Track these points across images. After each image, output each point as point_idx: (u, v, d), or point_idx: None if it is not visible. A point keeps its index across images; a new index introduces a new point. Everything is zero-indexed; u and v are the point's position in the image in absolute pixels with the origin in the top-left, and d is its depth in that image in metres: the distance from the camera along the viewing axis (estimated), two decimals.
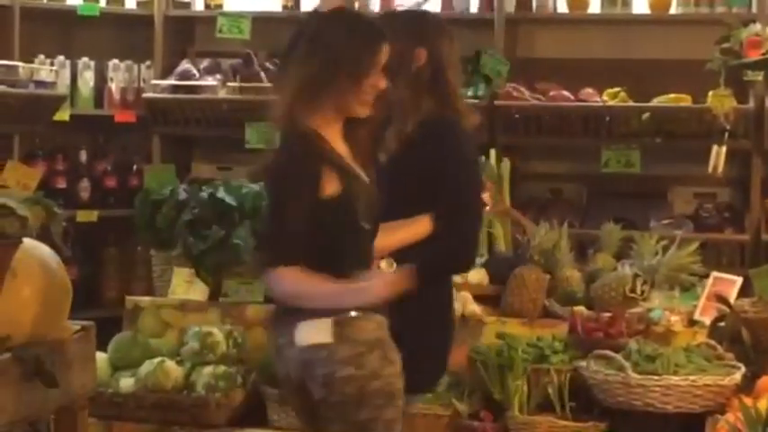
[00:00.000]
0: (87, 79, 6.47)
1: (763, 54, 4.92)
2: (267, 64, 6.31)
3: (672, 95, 5.96)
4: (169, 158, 6.40)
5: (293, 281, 3.47)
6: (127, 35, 6.76)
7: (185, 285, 5.23)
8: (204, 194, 5.31)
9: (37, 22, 6.27)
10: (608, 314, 4.80)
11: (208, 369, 4.83)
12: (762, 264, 5.08)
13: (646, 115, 5.85)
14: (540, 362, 4.62)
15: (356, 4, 6.28)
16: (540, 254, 5.10)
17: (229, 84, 6.38)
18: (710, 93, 5.39)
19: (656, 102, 5.96)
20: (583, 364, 4.47)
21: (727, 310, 4.56)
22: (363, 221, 3.52)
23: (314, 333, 3.45)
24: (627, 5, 6.17)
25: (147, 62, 6.62)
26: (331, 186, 3.46)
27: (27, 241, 3.23)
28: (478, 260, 5.12)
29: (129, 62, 6.60)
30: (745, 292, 4.88)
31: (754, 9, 5.96)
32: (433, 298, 3.70)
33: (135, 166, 6.56)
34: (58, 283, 3.30)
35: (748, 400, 3.70)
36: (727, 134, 5.27)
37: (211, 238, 5.16)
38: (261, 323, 5.15)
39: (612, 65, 6.26)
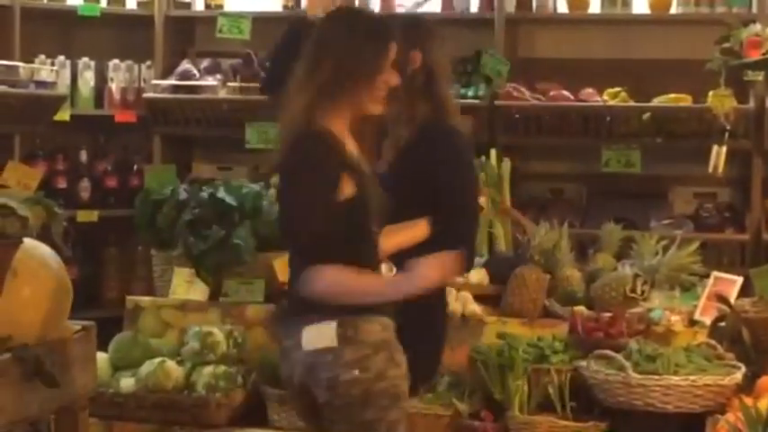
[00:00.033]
0: (88, 79, 6.47)
1: (764, 54, 4.92)
2: (268, 64, 6.30)
3: (672, 95, 5.96)
4: (169, 158, 6.41)
5: (332, 278, 3.47)
6: (127, 35, 6.76)
7: (186, 285, 5.23)
8: (204, 194, 5.31)
9: (37, 23, 6.27)
10: (608, 314, 4.80)
11: (208, 369, 4.83)
12: (762, 263, 5.08)
13: (646, 115, 5.85)
14: (540, 362, 4.62)
15: (356, 4, 6.28)
16: (541, 254, 5.10)
17: (230, 84, 6.38)
18: (711, 93, 5.39)
19: (657, 102, 5.96)
20: (583, 363, 4.47)
21: (728, 309, 4.56)
22: (373, 224, 3.54)
23: (319, 337, 3.46)
24: (627, 5, 6.17)
25: (148, 62, 6.62)
26: (348, 189, 3.48)
27: (27, 241, 3.23)
28: (479, 260, 5.13)
29: (129, 62, 6.60)
30: (745, 291, 4.88)
31: (754, 9, 5.96)
32: (426, 299, 3.70)
33: (135, 166, 6.56)
34: (58, 283, 3.30)
35: (749, 400, 3.70)
36: (727, 134, 5.26)
37: (212, 238, 5.16)
38: (261, 323, 5.15)
39: (613, 65, 6.26)
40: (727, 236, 5.95)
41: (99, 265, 6.55)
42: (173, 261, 5.30)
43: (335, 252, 3.47)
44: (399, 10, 6.35)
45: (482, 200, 4.85)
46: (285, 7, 6.53)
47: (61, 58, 6.34)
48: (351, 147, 3.55)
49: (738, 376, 4.28)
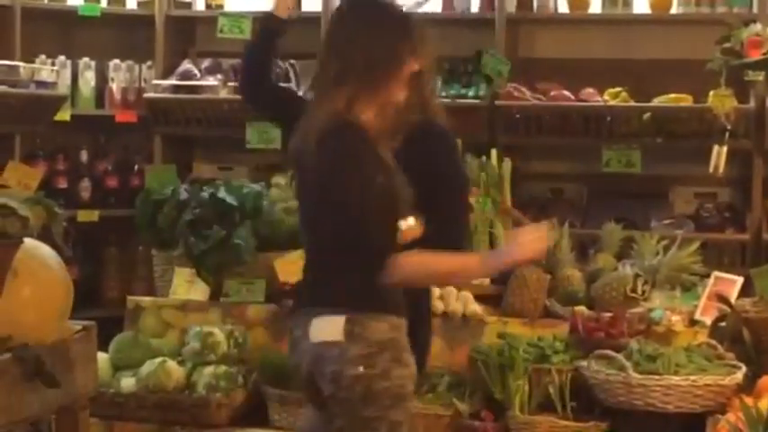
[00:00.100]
0: (88, 79, 6.47)
1: (764, 54, 4.92)
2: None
3: (673, 95, 5.95)
4: (170, 158, 6.40)
5: (415, 264, 3.49)
6: (128, 35, 6.76)
7: (186, 285, 5.24)
8: (205, 194, 5.32)
9: (38, 23, 6.27)
10: (609, 314, 4.80)
11: (209, 369, 4.83)
12: (762, 263, 5.07)
13: (646, 115, 5.85)
14: (541, 362, 4.62)
15: None
16: None
17: (230, 84, 6.37)
18: (711, 93, 5.38)
19: (657, 102, 5.95)
20: (584, 363, 4.47)
21: (728, 309, 4.56)
22: (401, 215, 3.55)
23: (327, 330, 3.47)
24: (628, 5, 6.17)
25: (148, 62, 6.62)
26: (383, 180, 3.49)
27: (28, 241, 3.23)
28: None
29: (130, 62, 6.60)
30: (745, 291, 4.89)
31: (754, 9, 5.95)
32: (410, 298, 3.71)
33: (136, 166, 6.56)
34: (59, 283, 3.31)
35: (749, 400, 3.70)
36: (727, 134, 5.26)
37: (212, 238, 5.17)
38: (262, 323, 5.16)
39: (613, 65, 6.25)
40: (727, 236, 5.94)
41: (99, 265, 6.55)
42: (173, 261, 5.30)
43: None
44: None
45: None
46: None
47: (62, 58, 6.34)
48: (379, 138, 3.55)
49: (739, 376, 4.28)
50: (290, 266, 4.97)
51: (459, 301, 5.00)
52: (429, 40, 3.97)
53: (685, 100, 5.92)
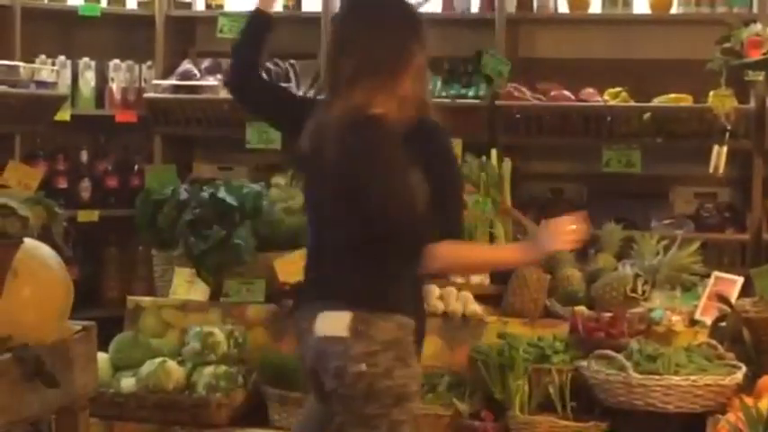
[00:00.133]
0: (88, 79, 6.47)
1: (764, 54, 4.92)
2: (268, 64, 6.31)
3: (673, 95, 5.95)
4: (170, 158, 6.40)
5: (453, 254, 3.52)
6: (128, 35, 6.76)
7: (186, 285, 5.24)
8: (205, 194, 5.32)
9: (38, 23, 6.27)
10: (609, 314, 4.80)
11: (209, 369, 4.83)
12: (763, 263, 5.07)
13: (647, 115, 5.84)
14: (541, 362, 4.62)
15: None
16: None
17: None
18: (711, 93, 5.38)
19: (657, 102, 5.95)
20: (584, 363, 4.47)
21: (729, 309, 4.56)
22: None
23: (332, 325, 3.47)
24: (628, 5, 6.17)
25: (148, 62, 6.61)
26: None
27: (28, 241, 3.23)
28: None
29: (130, 62, 6.60)
30: (746, 291, 4.89)
31: (754, 9, 5.95)
32: None
33: (136, 166, 6.55)
34: (59, 283, 3.31)
35: (749, 400, 3.70)
36: (727, 134, 5.26)
37: (212, 238, 5.17)
38: (262, 323, 5.16)
39: (613, 65, 6.25)
40: (727, 236, 5.94)
41: (99, 266, 6.55)
42: (173, 261, 5.30)
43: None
44: None
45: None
46: (285, 7, 6.52)
47: (62, 58, 6.34)
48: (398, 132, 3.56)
49: (739, 376, 4.28)
50: (290, 266, 4.97)
51: (459, 301, 5.00)
52: (428, 37, 3.99)
53: (685, 100, 5.92)
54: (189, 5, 6.76)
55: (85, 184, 6.38)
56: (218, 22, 6.16)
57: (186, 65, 6.48)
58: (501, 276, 5.06)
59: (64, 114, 6.08)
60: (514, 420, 4.51)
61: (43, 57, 6.21)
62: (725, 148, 5.22)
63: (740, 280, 4.97)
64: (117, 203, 6.41)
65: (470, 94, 6.09)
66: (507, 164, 5.44)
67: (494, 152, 5.48)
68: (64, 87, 6.18)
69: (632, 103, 5.97)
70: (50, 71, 6.01)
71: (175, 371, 4.83)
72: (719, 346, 4.46)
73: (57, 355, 3.25)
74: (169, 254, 5.33)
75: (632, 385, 4.27)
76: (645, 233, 5.41)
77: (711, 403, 4.25)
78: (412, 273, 3.62)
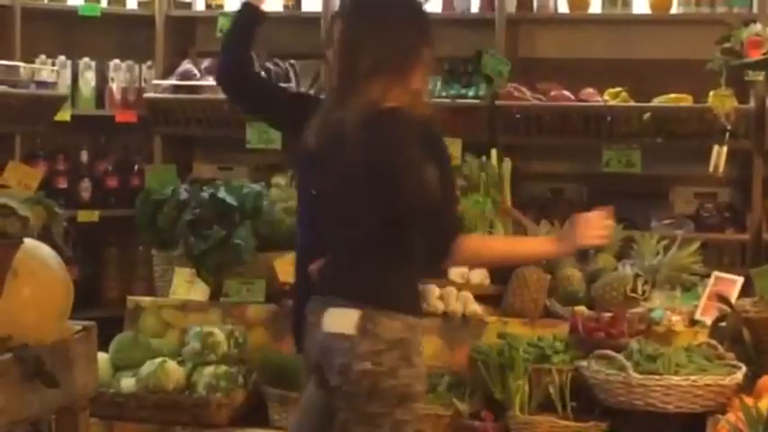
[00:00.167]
0: (88, 79, 6.47)
1: (764, 54, 4.92)
2: (268, 64, 6.31)
3: (673, 95, 5.95)
4: (170, 158, 6.40)
5: (483, 246, 3.60)
6: (128, 35, 6.76)
7: (186, 285, 5.24)
8: (205, 194, 5.32)
9: (38, 23, 6.27)
10: (609, 314, 4.80)
11: (209, 369, 4.83)
12: (763, 263, 5.07)
13: (647, 115, 5.85)
14: (541, 362, 4.62)
15: None
16: None
17: None
18: (711, 93, 5.38)
19: (657, 102, 5.95)
20: (584, 363, 4.47)
21: (729, 309, 4.56)
22: None
23: (340, 322, 3.48)
24: (627, 5, 6.17)
25: (149, 62, 6.62)
26: None
27: (28, 241, 3.23)
28: None
29: (130, 62, 6.60)
30: (746, 291, 4.89)
31: (754, 9, 5.95)
32: None
33: (136, 166, 6.55)
34: (59, 283, 3.31)
35: (749, 400, 3.70)
36: (727, 134, 5.26)
37: (212, 238, 5.17)
38: (262, 323, 5.16)
39: (613, 65, 6.25)
40: (727, 236, 5.94)
41: (100, 266, 6.55)
42: (173, 261, 5.30)
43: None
44: None
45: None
46: (285, 7, 6.52)
47: (62, 58, 6.34)
48: None
49: (739, 376, 4.28)
50: (290, 266, 4.96)
51: (459, 301, 5.00)
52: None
53: (685, 100, 5.92)
54: (189, 5, 6.76)
55: (85, 184, 6.38)
56: (218, 22, 6.16)
57: (186, 65, 6.48)
58: (501, 276, 5.06)
59: (64, 114, 6.08)
60: (514, 420, 4.51)
61: (43, 57, 6.22)
62: (725, 148, 5.22)
63: (740, 280, 4.97)
64: (117, 203, 6.41)
65: (470, 94, 6.09)
66: (507, 164, 5.44)
67: (494, 152, 5.48)
68: (64, 87, 6.18)
69: (632, 103, 5.97)
70: (50, 71, 6.01)
71: (175, 371, 4.83)
72: (719, 346, 4.46)
73: (57, 355, 3.25)
74: (169, 254, 5.33)
75: (632, 385, 4.27)
76: (645, 233, 5.41)
77: (711, 403, 4.25)
78: (420, 272, 3.64)
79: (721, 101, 5.24)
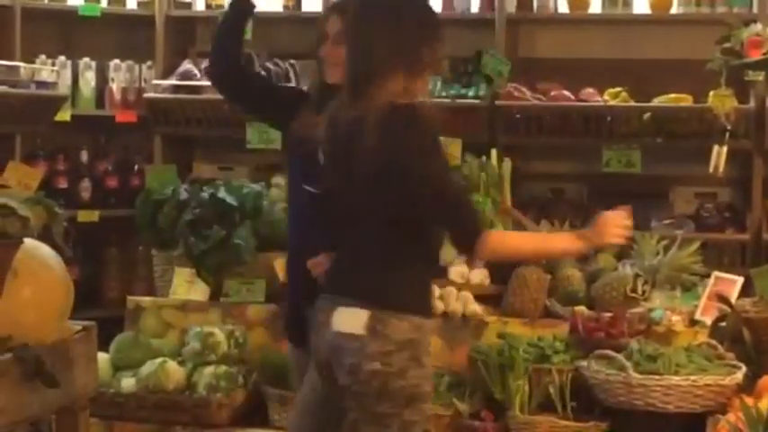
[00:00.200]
0: (88, 79, 6.46)
1: (764, 54, 4.92)
2: (268, 64, 6.31)
3: (673, 95, 5.95)
4: (170, 158, 6.40)
5: (507, 241, 3.64)
6: (128, 35, 6.75)
7: (186, 285, 5.24)
8: (205, 194, 5.32)
9: (38, 23, 6.27)
10: (609, 314, 4.80)
11: (209, 369, 4.83)
12: (763, 263, 5.07)
13: (647, 115, 5.84)
14: (541, 362, 4.62)
15: None
16: None
17: None
18: (711, 93, 5.38)
19: (657, 102, 5.95)
20: (584, 363, 4.47)
21: (729, 309, 4.56)
22: None
23: (349, 322, 3.48)
24: (628, 5, 6.16)
25: (149, 62, 6.61)
26: None
27: (28, 241, 3.23)
28: (480, 260, 5.13)
29: (130, 62, 6.60)
30: (746, 291, 4.89)
31: (755, 9, 5.95)
32: None
33: (136, 166, 6.55)
34: (59, 283, 3.30)
35: (749, 400, 3.70)
36: (728, 134, 5.26)
37: (212, 238, 5.17)
38: (262, 323, 5.16)
39: (613, 65, 6.25)
40: (727, 236, 5.94)
41: (100, 266, 6.55)
42: (173, 261, 5.31)
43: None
44: None
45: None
46: (285, 7, 6.52)
47: (62, 58, 6.34)
48: None
49: (739, 376, 4.28)
50: None
51: (459, 301, 5.00)
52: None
53: (685, 100, 5.92)
54: (189, 5, 6.76)
55: (86, 184, 6.38)
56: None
57: (186, 65, 6.48)
58: (501, 276, 5.06)
59: (64, 114, 6.08)
60: (514, 420, 4.51)
61: (43, 57, 6.21)
62: (725, 148, 5.23)
63: (740, 280, 4.97)
64: (117, 203, 6.40)
65: (470, 94, 6.09)
66: (507, 164, 5.44)
67: (494, 152, 5.48)
68: (64, 87, 6.18)
69: (632, 103, 5.96)
70: (50, 71, 6.01)
71: (176, 371, 4.83)
72: (719, 346, 4.46)
73: (57, 355, 3.25)
74: (169, 254, 5.33)
75: (632, 385, 4.27)
76: (645, 233, 5.40)
77: (711, 403, 4.25)
78: (430, 272, 3.65)
79: (721, 101, 5.24)
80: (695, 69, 5.36)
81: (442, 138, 3.64)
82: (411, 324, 3.50)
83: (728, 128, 5.25)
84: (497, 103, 6.01)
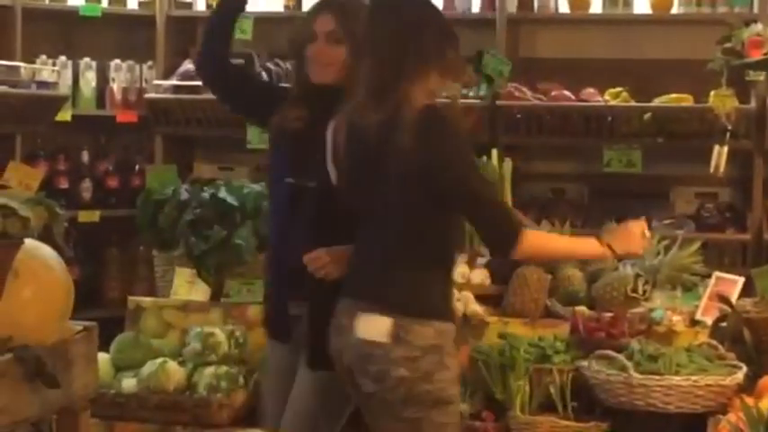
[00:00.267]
0: (89, 79, 6.47)
1: (765, 54, 4.92)
2: (269, 64, 6.31)
3: (673, 95, 5.96)
4: (171, 158, 6.41)
5: (541, 240, 3.69)
6: (128, 35, 6.76)
7: (187, 286, 5.23)
8: (206, 194, 5.32)
9: (38, 23, 6.27)
10: (610, 314, 4.80)
11: (210, 369, 4.83)
12: (763, 263, 5.07)
13: (647, 115, 5.85)
14: (541, 362, 4.62)
15: None
16: None
17: None
18: (712, 93, 5.39)
19: (658, 102, 5.95)
20: (585, 364, 4.47)
21: (729, 309, 4.56)
22: None
23: (373, 329, 3.49)
24: (628, 5, 6.17)
25: (149, 62, 6.62)
26: None
27: (29, 242, 3.23)
28: (481, 260, 5.12)
29: (130, 62, 6.60)
30: (746, 291, 4.88)
31: (755, 9, 5.96)
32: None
33: (137, 167, 6.56)
34: (59, 283, 3.30)
35: (750, 400, 3.70)
36: (728, 134, 5.26)
37: (213, 239, 5.17)
38: (262, 323, 5.15)
39: (614, 65, 6.26)
40: (728, 236, 5.95)
41: (100, 266, 6.56)
42: (174, 261, 5.30)
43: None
44: None
45: None
46: (286, 7, 6.53)
47: (62, 58, 6.35)
48: None
49: (740, 376, 4.28)
50: None
51: (459, 301, 4.99)
52: None
53: (686, 100, 5.92)
54: (189, 5, 6.76)
55: (86, 184, 6.38)
56: None
57: (187, 65, 6.49)
58: (501, 276, 5.06)
59: (65, 115, 6.08)
60: (515, 420, 4.51)
61: (44, 57, 6.22)
62: (725, 148, 5.23)
63: (741, 280, 4.97)
64: (118, 204, 6.41)
65: (471, 93, 6.09)
66: (508, 164, 5.43)
67: (494, 152, 5.48)
68: (65, 88, 6.19)
69: (633, 103, 5.97)
70: (51, 71, 6.01)
71: (176, 371, 4.82)
72: (720, 347, 4.46)
73: (57, 355, 3.25)
74: (170, 254, 5.33)
75: (633, 385, 4.27)
76: None
77: (712, 403, 4.24)
78: (450, 276, 3.69)
79: (722, 101, 5.25)
80: (696, 69, 5.36)
81: None
82: (435, 330, 3.51)
83: (729, 128, 5.26)
84: (498, 103, 6.01)
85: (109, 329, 4.55)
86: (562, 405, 4.53)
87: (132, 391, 4.79)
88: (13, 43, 6.02)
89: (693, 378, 4.24)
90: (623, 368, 4.30)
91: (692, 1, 6.07)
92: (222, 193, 5.29)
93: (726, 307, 4.61)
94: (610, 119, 5.93)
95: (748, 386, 4.19)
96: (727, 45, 5.03)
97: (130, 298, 5.36)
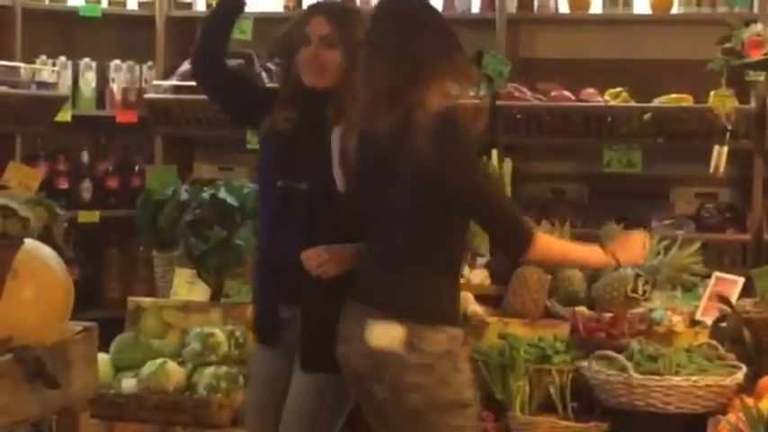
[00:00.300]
0: (89, 80, 6.47)
1: (765, 54, 4.92)
2: (268, 64, 6.31)
3: (673, 95, 5.96)
4: (171, 159, 6.41)
5: (550, 245, 3.68)
6: (128, 36, 6.76)
7: (187, 286, 5.23)
8: (206, 195, 5.32)
9: (38, 23, 6.27)
10: (610, 314, 4.80)
11: (209, 370, 4.83)
12: (763, 264, 5.07)
13: (647, 115, 5.85)
14: (541, 362, 4.62)
15: (357, 2, 6.27)
16: None
17: None
18: (712, 93, 5.39)
19: (658, 102, 5.96)
20: (585, 364, 4.47)
21: (729, 310, 4.56)
22: None
23: (385, 337, 3.47)
24: (628, 6, 6.17)
25: (149, 63, 6.62)
26: None
27: (29, 242, 3.23)
28: (480, 260, 5.12)
29: (130, 63, 6.61)
30: (746, 292, 4.88)
31: (755, 9, 5.96)
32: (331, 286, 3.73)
33: (137, 167, 6.56)
34: (59, 283, 3.30)
35: (750, 401, 3.70)
36: (728, 134, 5.27)
37: (213, 239, 5.17)
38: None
39: (614, 65, 6.26)
40: (728, 236, 5.95)
41: (100, 266, 6.56)
42: (174, 262, 5.30)
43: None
44: None
45: None
46: (286, 8, 6.53)
47: (62, 58, 6.35)
48: None
49: (740, 376, 4.27)
50: None
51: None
52: None
53: (686, 100, 5.92)
54: (189, 6, 6.76)
55: (86, 184, 6.38)
56: None
57: (187, 65, 6.47)
58: (501, 277, 5.06)
59: (65, 115, 6.09)
60: (515, 421, 4.50)
61: (44, 57, 6.22)
62: (725, 149, 5.23)
63: (741, 280, 4.97)
64: (118, 204, 6.41)
65: (471, 94, 6.08)
66: (508, 164, 5.43)
67: (494, 152, 5.48)
68: (65, 88, 6.19)
69: (633, 104, 5.97)
70: (51, 72, 6.01)
71: (176, 372, 4.82)
72: (720, 347, 4.46)
73: (57, 355, 3.25)
74: (170, 254, 5.33)
75: (633, 386, 4.27)
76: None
77: (712, 404, 4.24)
78: (458, 282, 3.68)
79: (722, 101, 5.25)
80: (696, 69, 5.36)
81: None
82: (447, 336, 3.51)
83: (729, 128, 5.26)
84: (498, 103, 6.00)
85: (109, 330, 4.55)
86: (562, 405, 4.53)
87: (132, 392, 4.79)
88: (12, 43, 6.03)
89: (693, 378, 4.24)
90: (623, 368, 4.30)
91: (692, 1, 6.07)
92: (222, 194, 5.29)
93: (726, 307, 4.61)
94: (610, 119, 5.93)
95: (748, 386, 4.19)
96: (727, 45, 5.03)
97: (130, 298, 5.36)
